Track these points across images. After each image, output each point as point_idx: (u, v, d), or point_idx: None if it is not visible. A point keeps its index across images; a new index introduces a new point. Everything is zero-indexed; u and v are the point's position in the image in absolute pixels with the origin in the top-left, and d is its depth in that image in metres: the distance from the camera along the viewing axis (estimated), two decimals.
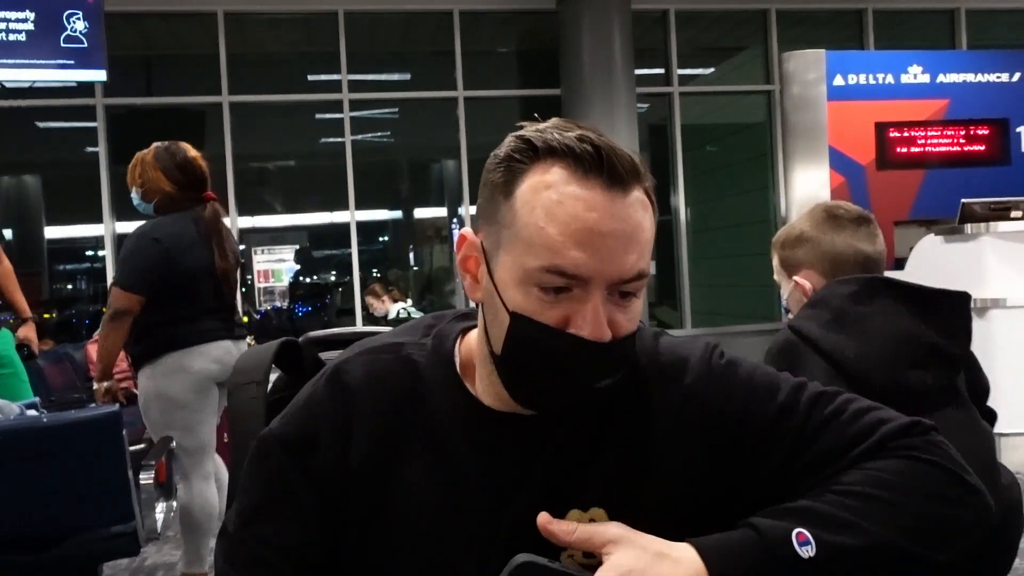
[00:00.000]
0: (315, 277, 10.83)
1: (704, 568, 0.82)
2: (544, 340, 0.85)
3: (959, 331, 1.60)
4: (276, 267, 9.20)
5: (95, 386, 3.08)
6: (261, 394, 1.37)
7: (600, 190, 0.83)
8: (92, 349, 5.24)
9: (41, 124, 7.83)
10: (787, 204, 6.04)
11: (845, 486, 0.88)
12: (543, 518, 0.85)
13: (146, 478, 2.86)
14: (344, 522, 0.91)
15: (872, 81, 5.77)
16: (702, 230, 8.43)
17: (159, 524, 3.02)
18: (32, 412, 2.68)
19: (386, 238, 11.30)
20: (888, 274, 1.68)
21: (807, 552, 0.82)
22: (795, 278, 1.72)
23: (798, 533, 0.83)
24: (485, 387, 0.93)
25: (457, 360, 0.96)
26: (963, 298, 1.61)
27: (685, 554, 0.83)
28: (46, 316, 7.85)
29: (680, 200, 8.13)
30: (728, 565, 0.83)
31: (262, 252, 9.26)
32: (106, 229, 7.27)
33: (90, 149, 7.27)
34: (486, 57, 8.30)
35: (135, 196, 3.07)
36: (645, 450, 0.92)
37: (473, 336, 0.97)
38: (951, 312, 1.60)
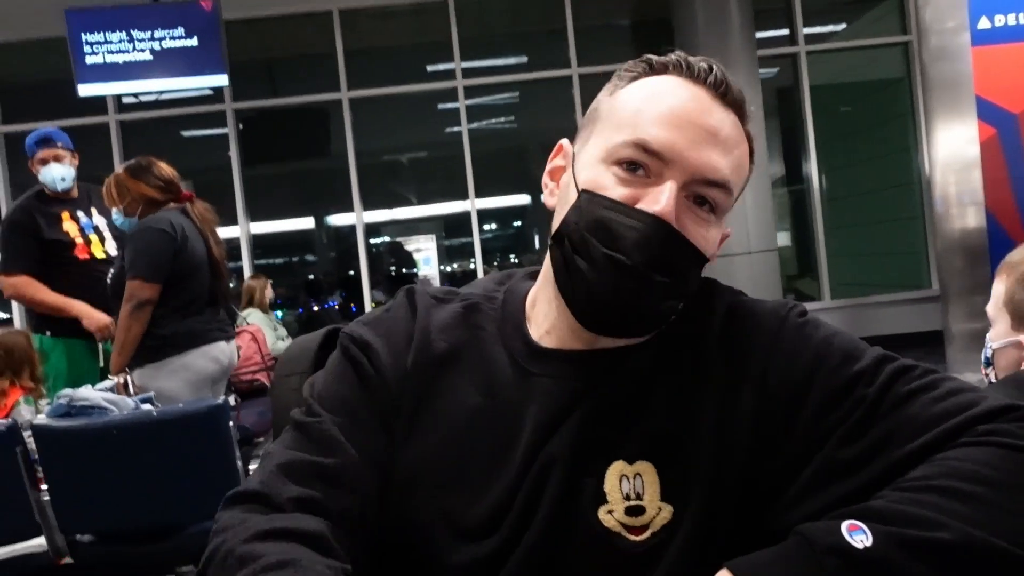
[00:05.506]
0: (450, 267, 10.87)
1: None
2: (606, 213, 0.81)
3: None
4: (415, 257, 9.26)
5: (114, 379, 3.08)
6: (303, 385, 1.33)
7: (706, 92, 0.84)
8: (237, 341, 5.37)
9: (186, 133, 8.22)
10: (931, 164, 5.55)
11: (916, 481, 0.73)
12: None
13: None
14: (393, 426, 0.89)
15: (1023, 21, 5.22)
16: (839, 197, 7.93)
17: None
18: (146, 406, 2.75)
19: (519, 223, 11.26)
20: None
21: (860, 541, 0.68)
22: (1022, 337, 1.29)
23: (849, 524, 0.69)
24: (542, 324, 0.91)
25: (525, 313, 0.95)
26: None
27: None
28: None
29: (812, 167, 7.67)
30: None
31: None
32: (241, 230, 7.55)
33: (229, 154, 7.58)
34: (598, 32, 8.09)
35: (117, 216, 3.27)
36: (699, 408, 0.83)
37: (536, 287, 0.95)
38: None
